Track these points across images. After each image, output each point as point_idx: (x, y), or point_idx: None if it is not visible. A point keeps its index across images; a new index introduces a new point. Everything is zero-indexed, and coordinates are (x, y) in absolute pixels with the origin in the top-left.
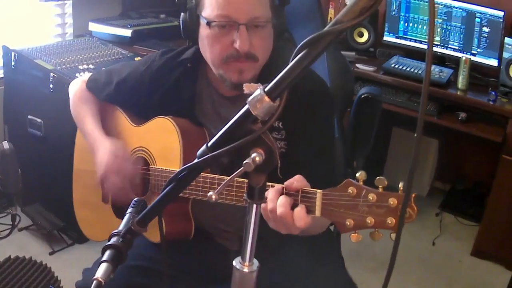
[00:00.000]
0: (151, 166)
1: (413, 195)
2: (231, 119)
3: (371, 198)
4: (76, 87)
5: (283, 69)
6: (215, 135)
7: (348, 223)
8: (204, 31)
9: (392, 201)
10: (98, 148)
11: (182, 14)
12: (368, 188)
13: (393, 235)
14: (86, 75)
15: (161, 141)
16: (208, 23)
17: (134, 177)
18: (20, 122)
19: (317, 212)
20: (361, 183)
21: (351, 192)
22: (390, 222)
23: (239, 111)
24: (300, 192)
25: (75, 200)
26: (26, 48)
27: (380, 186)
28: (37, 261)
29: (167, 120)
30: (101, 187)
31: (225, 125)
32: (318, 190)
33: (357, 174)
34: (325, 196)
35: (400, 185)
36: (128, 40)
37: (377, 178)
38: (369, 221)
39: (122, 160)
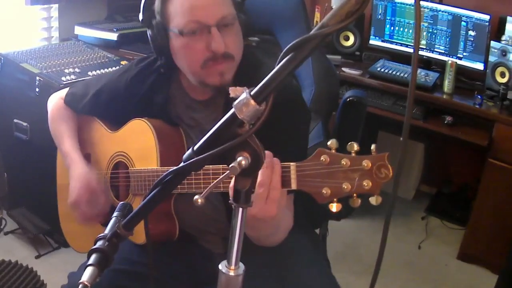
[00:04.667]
0: (130, 168)
1: (386, 154)
2: (201, 123)
3: (344, 163)
4: (53, 103)
5: (263, 71)
6: (201, 138)
7: (325, 192)
8: (176, 43)
9: (366, 163)
10: (72, 174)
11: (149, 32)
12: (340, 154)
13: (372, 199)
14: (63, 91)
15: (138, 142)
16: (181, 32)
17: (104, 209)
18: (6, 125)
19: (293, 185)
20: (333, 151)
21: (323, 160)
22: (366, 184)
23: (224, 115)
24: None
25: (61, 214)
26: (12, 52)
27: (352, 151)
28: (23, 264)
29: (142, 121)
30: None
31: (211, 129)
32: (291, 163)
33: (328, 143)
34: (299, 167)
35: (373, 147)
36: (114, 44)
37: (349, 143)
38: (345, 187)
39: (93, 194)
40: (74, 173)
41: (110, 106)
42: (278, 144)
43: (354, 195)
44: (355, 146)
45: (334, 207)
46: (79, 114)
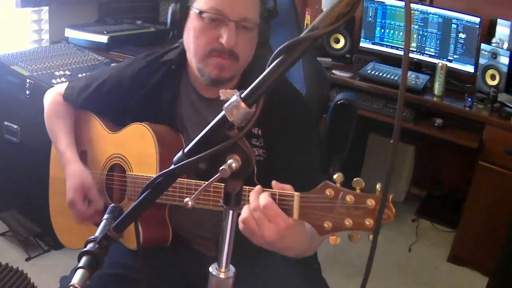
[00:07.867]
0: (127, 173)
1: (390, 196)
2: (209, 121)
3: (348, 200)
4: (50, 99)
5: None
6: (191, 141)
7: (326, 226)
8: (192, 23)
9: (370, 202)
10: (68, 173)
11: (172, 5)
12: (345, 189)
13: (372, 237)
14: (61, 86)
15: (138, 147)
16: (201, 13)
17: (99, 207)
18: None
19: (295, 215)
20: (338, 185)
21: (328, 194)
22: (368, 223)
23: (216, 115)
24: (278, 195)
25: (52, 208)
26: (2, 54)
27: (358, 188)
28: (14, 267)
29: (143, 126)
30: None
31: (201, 131)
32: (296, 193)
33: (334, 176)
34: (302, 198)
35: (378, 186)
36: (105, 46)
37: (355, 179)
38: (347, 223)
39: (88, 192)
40: (70, 172)
41: (112, 98)
42: (284, 146)
43: (355, 231)
44: (361, 183)
45: (333, 240)
46: (77, 110)
